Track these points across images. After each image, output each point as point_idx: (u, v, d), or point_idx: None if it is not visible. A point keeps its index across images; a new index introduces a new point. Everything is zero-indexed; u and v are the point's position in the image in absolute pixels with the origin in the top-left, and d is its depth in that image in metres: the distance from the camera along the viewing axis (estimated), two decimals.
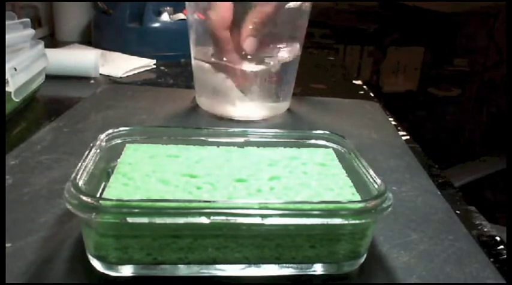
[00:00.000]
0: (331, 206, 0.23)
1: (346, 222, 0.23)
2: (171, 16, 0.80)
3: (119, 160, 0.29)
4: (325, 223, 0.23)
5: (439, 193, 0.35)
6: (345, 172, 0.30)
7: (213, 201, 0.23)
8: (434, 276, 0.25)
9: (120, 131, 0.31)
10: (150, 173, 0.27)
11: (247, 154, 0.31)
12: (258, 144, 0.33)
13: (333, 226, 0.24)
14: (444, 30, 1.62)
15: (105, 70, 0.67)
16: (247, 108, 0.49)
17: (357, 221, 0.23)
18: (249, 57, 0.46)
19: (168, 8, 0.80)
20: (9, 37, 0.45)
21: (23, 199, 0.30)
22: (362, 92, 0.67)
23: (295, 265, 0.25)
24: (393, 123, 0.53)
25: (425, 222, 0.31)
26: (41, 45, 0.53)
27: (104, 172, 0.29)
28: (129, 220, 0.22)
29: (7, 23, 0.45)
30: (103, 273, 0.24)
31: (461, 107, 1.69)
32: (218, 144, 0.32)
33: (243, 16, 0.44)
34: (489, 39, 1.60)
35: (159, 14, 0.80)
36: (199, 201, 0.23)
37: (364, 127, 0.49)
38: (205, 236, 0.23)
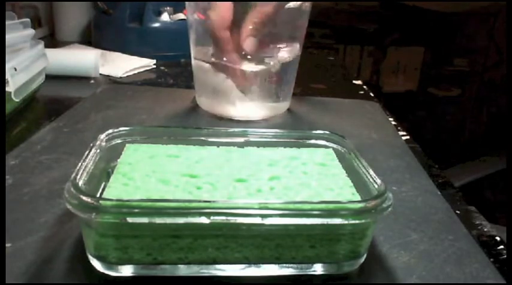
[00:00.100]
0: (331, 206, 0.23)
1: (346, 222, 0.23)
2: (171, 16, 0.80)
3: (119, 160, 0.29)
4: (325, 223, 0.23)
5: (439, 193, 0.35)
6: (345, 172, 0.30)
7: (213, 201, 0.23)
8: (434, 276, 0.25)
9: (120, 131, 0.31)
10: (150, 173, 0.27)
11: (247, 154, 0.31)
12: (258, 144, 0.33)
13: (333, 226, 0.24)
14: (444, 30, 1.62)
15: (105, 70, 0.67)
16: (247, 108, 0.49)
17: (357, 221, 0.23)
18: (248, 57, 0.46)
19: (168, 8, 0.80)
20: (9, 37, 0.45)
21: (23, 199, 0.30)
22: (362, 92, 0.67)
23: (295, 265, 0.25)
24: (393, 123, 0.53)
25: (425, 222, 0.31)
26: (41, 45, 0.53)
27: (104, 172, 0.29)
28: (129, 220, 0.22)
29: (7, 23, 0.45)
30: (103, 273, 0.24)
31: (461, 107, 1.69)
32: (218, 144, 0.32)
33: (243, 16, 0.44)
34: (489, 39, 1.60)
35: (159, 14, 0.80)
36: (199, 201, 0.23)
37: (364, 127, 0.49)
38: (205, 236, 0.23)
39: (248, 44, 0.44)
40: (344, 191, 0.27)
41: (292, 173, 0.29)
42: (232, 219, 0.22)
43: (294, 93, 0.53)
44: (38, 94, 0.55)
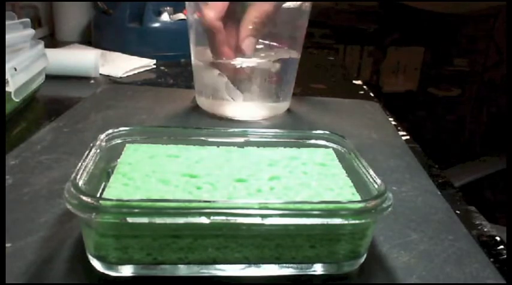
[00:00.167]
0: (331, 206, 0.23)
1: (346, 222, 0.23)
2: (171, 16, 0.80)
3: (119, 160, 0.29)
4: (325, 223, 0.23)
5: (439, 193, 0.35)
6: (345, 172, 0.30)
7: (213, 201, 0.23)
8: (434, 276, 0.25)
9: (120, 131, 0.31)
10: (150, 173, 0.27)
11: (247, 154, 0.31)
12: (258, 144, 0.33)
13: (333, 226, 0.24)
14: (444, 30, 1.62)
15: (105, 70, 0.67)
16: (247, 108, 0.49)
17: (357, 221, 0.23)
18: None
19: (168, 8, 0.80)
20: (9, 37, 0.45)
21: (23, 199, 0.30)
22: (362, 92, 0.67)
23: (295, 265, 0.25)
24: (393, 123, 0.53)
25: (425, 222, 0.31)
26: (41, 45, 0.53)
27: (104, 172, 0.29)
28: (129, 220, 0.22)
29: (7, 23, 0.45)
30: (103, 273, 0.24)
31: (461, 107, 1.69)
32: (218, 144, 0.32)
33: (241, 13, 0.43)
34: (489, 39, 1.60)
35: (159, 14, 0.80)
36: (199, 201, 0.23)
37: (364, 127, 0.49)
38: (205, 236, 0.23)
39: (247, 44, 0.44)
40: (344, 191, 0.27)
41: (292, 173, 0.29)
42: (232, 219, 0.22)
43: (294, 93, 0.53)
44: (38, 94, 0.55)
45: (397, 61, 1.70)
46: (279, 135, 0.34)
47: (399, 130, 0.50)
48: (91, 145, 0.28)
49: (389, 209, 0.24)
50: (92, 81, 0.64)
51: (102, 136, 0.30)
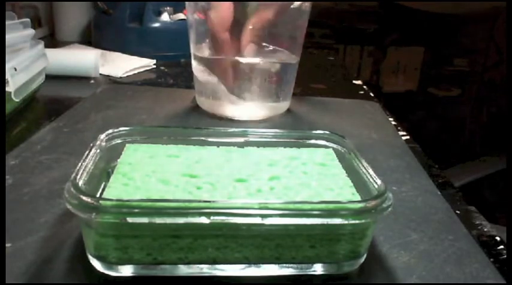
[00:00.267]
0: (331, 206, 0.23)
1: (346, 222, 0.23)
2: (171, 16, 0.80)
3: (119, 160, 0.29)
4: (325, 223, 0.23)
5: (439, 193, 0.35)
6: (345, 172, 0.30)
7: (213, 201, 0.23)
8: (434, 276, 0.25)
9: (120, 131, 0.31)
10: (150, 173, 0.27)
11: (247, 154, 0.31)
12: (258, 144, 0.33)
13: (333, 226, 0.24)
14: (444, 30, 1.62)
15: (105, 70, 0.67)
16: (247, 108, 0.49)
17: (357, 221, 0.23)
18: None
19: (168, 8, 0.80)
20: (9, 37, 0.45)
21: (23, 199, 0.30)
22: (362, 92, 0.67)
23: (295, 265, 0.25)
24: (393, 123, 0.53)
25: (425, 222, 0.31)
26: (41, 45, 0.53)
27: (104, 172, 0.29)
28: (129, 220, 0.22)
29: (7, 23, 0.45)
30: (103, 273, 0.24)
31: (461, 107, 1.69)
32: (218, 144, 0.32)
33: (244, 18, 0.44)
34: (489, 39, 1.60)
35: (159, 14, 0.80)
36: (199, 201, 0.23)
37: (364, 127, 0.49)
38: (205, 236, 0.23)
39: (249, 51, 0.45)
40: (344, 191, 0.27)
41: (292, 173, 0.29)
42: (232, 219, 0.22)
43: (294, 93, 0.53)
44: (38, 94, 0.55)
45: (397, 61, 1.70)
46: (279, 135, 0.34)
47: (399, 130, 0.50)
48: (91, 145, 0.28)
49: (389, 209, 0.24)
50: (92, 81, 0.64)
51: (102, 136, 0.30)
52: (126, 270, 0.24)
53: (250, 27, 0.44)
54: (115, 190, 0.25)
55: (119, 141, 0.31)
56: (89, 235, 0.23)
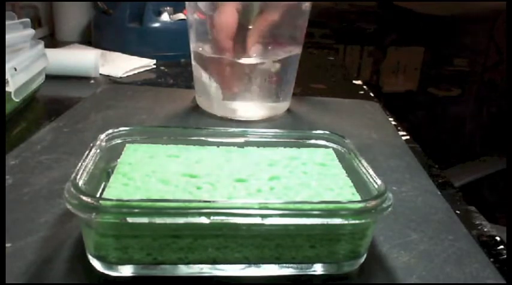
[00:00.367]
0: (331, 206, 0.23)
1: (346, 222, 0.23)
2: (171, 16, 0.80)
3: (119, 160, 0.29)
4: (325, 223, 0.23)
5: (439, 193, 0.35)
6: (345, 172, 0.30)
7: (213, 201, 0.23)
8: (434, 276, 0.25)
9: (120, 131, 0.31)
10: (150, 173, 0.27)
11: (247, 154, 0.31)
12: (258, 144, 0.33)
13: (333, 226, 0.24)
14: (444, 30, 1.62)
15: (105, 70, 0.67)
16: (247, 108, 0.49)
17: (357, 221, 0.23)
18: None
19: (168, 8, 0.80)
20: (9, 37, 0.45)
21: (23, 199, 0.30)
22: (362, 92, 0.67)
23: (295, 265, 0.25)
24: (393, 123, 0.53)
25: (425, 222, 0.31)
26: (41, 45, 0.53)
27: (104, 172, 0.29)
28: (129, 220, 0.22)
29: (7, 23, 0.45)
30: (103, 273, 0.24)
31: (461, 107, 1.69)
32: (218, 144, 0.32)
33: (248, 23, 0.44)
34: (489, 39, 1.60)
35: (159, 14, 0.80)
36: (199, 201, 0.23)
37: (364, 127, 0.49)
38: (205, 236, 0.23)
39: (255, 52, 0.45)
40: (344, 191, 0.27)
41: (292, 173, 0.29)
42: (232, 219, 0.22)
43: (294, 93, 0.53)
44: (38, 94, 0.55)
45: (397, 61, 1.70)
46: (279, 135, 0.34)
47: (399, 130, 0.50)
48: (91, 145, 0.28)
49: (389, 209, 0.24)
50: (92, 81, 0.64)
51: (102, 136, 0.30)
52: (126, 270, 0.24)
53: (256, 29, 0.45)
54: (115, 190, 0.25)
55: (119, 141, 0.31)
56: (89, 235, 0.23)
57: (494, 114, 1.60)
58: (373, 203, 0.23)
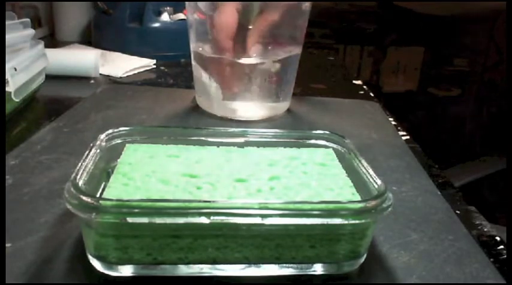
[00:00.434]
0: (331, 206, 0.23)
1: (346, 222, 0.23)
2: (171, 16, 0.80)
3: (119, 160, 0.29)
4: (325, 223, 0.23)
5: (439, 193, 0.35)
6: (345, 172, 0.30)
7: (213, 201, 0.23)
8: (434, 276, 0.25)
9: (120, 131, 0.31)
10: (150, 173, 0.27)
11: (247, 154, 0.31)
12: (258, 144, 0.33)
13: (333, 226, 0.24)
14: (444, 30, 1.62)
15: (105, 70, 0.67)
16: (247, 108, 0.49)
17: (357, 221, 0.23)
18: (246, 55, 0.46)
19: (168, 8, 0.80)
20: (9, 37, 0.45)
21: (23, 199, 0.30)
22: (362, 92, 0.67)
23: (295, 265, 0.25)
24: (393, 123, 0.53)
25: (425, 222, 0.31)
26: (41, 45, 0.53)
27: (104, 172, 0.29)
28: (129, 220, 0.22)
29: (7, 23, 0.45)
30: (103, 273, 0.24)
31: (461, 107, 1.69)
32: (218, 144, 0.32)
33: (248, 23, 0.44)
34: (489, 39, 1.60)
35: (159, 14, 0.80)
36: (199, 201, 0.23)
37: (364, 127, 0.49)
38: (205, 236, 0.23)
39: (255, 51, 0.45)
40: (344, 191, 0.27)
41: (292, 173, 0.29)
42: (232, 219, 0.22)
43: (294, 93, 0.53)
44: (38, 94, 0.55)
45: (397, 61, 1.70)
46: (279, 135, 0.34)
47: (399, 130, 0.50)
48: (91, 145, 0.28)
49: (389, 209, 0.24)
50: (92, 81, 0.64)
51: (102, 136, 0.30)
52: (126, 270, 0.24)
53: (257, 29, 0.44)
54: (115, 190, 0.25)
55: (119, 141, 0.31)
56: (89, 235, 0.23)
57: (494, 114, 1.60)
58: (373, 203, 0.23)
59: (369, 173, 0.27)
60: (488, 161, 1.25)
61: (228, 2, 0.44)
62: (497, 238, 0.31)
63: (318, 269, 0.25)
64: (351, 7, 1.66)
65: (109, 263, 0.23)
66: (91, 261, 0.24)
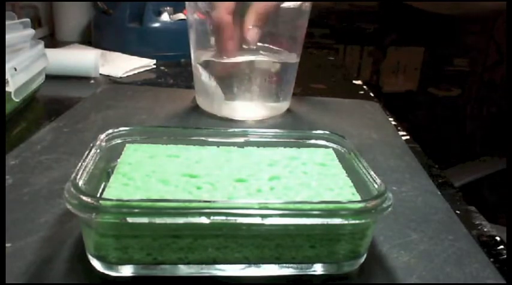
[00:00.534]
0: (331, 206, 0.23)
1: (346, 222, 0.23)
2: (171, 16, 0.80)
3: (119, 160, 0.29)
4: (325, 223, 0.23)
5: (439, 193, 0.35)
6: (345, 172, 0.30)
7: (213, 201, 0.23)
8: (434, 276, 0.25)
9: (120, 131, 0.31)
10: (150, 173, 0.27)
11: (247, 154, 0.31)
12: (258, 144, 0.33)
13: (333, 226, 0.24)
14: (444, 30, 1.62)
15: (105, 70, 0.67)
16: (247, 108, 0.49)
17: (357, 221, 0.23)
18: (245, 47, 0.46)
19: (168, 8, 0.80)
20: (9, 37, 0.45)
21: (23, 199, 0.30)
22: (362, 92, 0.67)
23: (295, 265, 0.25)
24: (393, 123, 0.53)
25: (425, 222, 0.31)
26: (41, 45, 0.53)
27: (104, 172, 0.29)
28: (129, 220, 0.22)
29: (7, 23, 0.45)
30: (103, 273, 0.24)
31: (461, 107, 1.69)
32: (218, 144, 0.32)
33: (245, 7, 0.44)
34: (489, 39, 1.60)
35: (159, 14, 0.80)
36: (199, 201, 0.23)
37: (364, 127, 0.49)
38: (205, 236, 0.23)
39: (251, 34, 0.44)
40: (344, 191, 0.27)
41: (292, 173, 0.29)
42: (232, 219, 0.22)
43: (294, 93, 0.53)
44: (38, 94, 0.55)
45: (397, 61, 1.70)
46: (279, 135, 0.34)
47: (399, 130, 0.50)
48: (91, 145, 0.28)
49: (389, 209, 0.24)
50: (92, 81, 0.64)
51: (102, 136, 0.30)
52: (126, 270, 0.24)
53: (254, 11, 0.44)
54: (115, 190, 0.25)
55: (119, 141, 0.31)
56: (89, 235, 0.23)
57: (494, 114, 1.60)
58: (373, 203, 0.23)
59: (368, 173, 0.27)
60: (488, 161, 1.25)
61: (223, 2, 0.44)
62: (497, 238, 0.31)
63: (318, 269, 0.25)
64: (351, 7, 1.66)
65: (109, 263, 0.23)
66: (91, 261, 0.24)
